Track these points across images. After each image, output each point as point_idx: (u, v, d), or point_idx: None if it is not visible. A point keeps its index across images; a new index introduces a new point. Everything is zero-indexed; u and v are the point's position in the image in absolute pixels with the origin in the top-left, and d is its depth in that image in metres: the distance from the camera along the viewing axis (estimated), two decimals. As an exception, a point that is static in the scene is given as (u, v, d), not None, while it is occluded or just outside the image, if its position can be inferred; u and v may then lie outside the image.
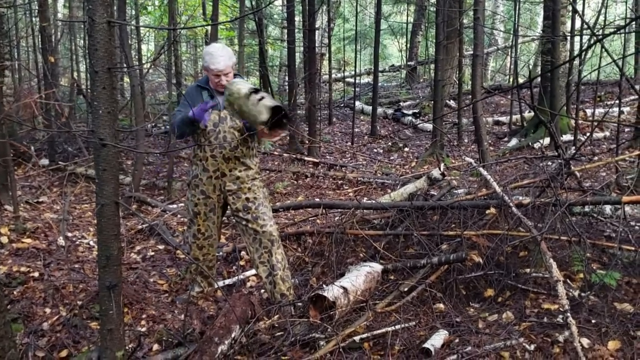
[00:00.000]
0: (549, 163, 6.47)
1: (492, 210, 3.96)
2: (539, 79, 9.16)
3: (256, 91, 2.99)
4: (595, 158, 7.07)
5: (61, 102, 8.38)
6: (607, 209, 4.21)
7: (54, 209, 5.77)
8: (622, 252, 3.55)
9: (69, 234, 4.82)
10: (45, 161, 7.74)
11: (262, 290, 3.75)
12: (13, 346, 2.15)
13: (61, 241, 4.52)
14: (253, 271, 4.08)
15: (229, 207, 3.43)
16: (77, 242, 4.68)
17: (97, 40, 2.23)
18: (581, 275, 3.41)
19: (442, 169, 4.95)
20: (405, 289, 3.54)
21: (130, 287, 3.67)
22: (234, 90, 3.02)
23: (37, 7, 8.39)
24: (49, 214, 5.45)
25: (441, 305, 3.34)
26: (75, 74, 12.26)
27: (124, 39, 6.43)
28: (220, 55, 3.17)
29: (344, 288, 3.24)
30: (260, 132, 3.01)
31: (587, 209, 4.11)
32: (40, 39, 8.34)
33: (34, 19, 10.46)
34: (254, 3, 11.59)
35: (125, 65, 6.66)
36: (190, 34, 12.28)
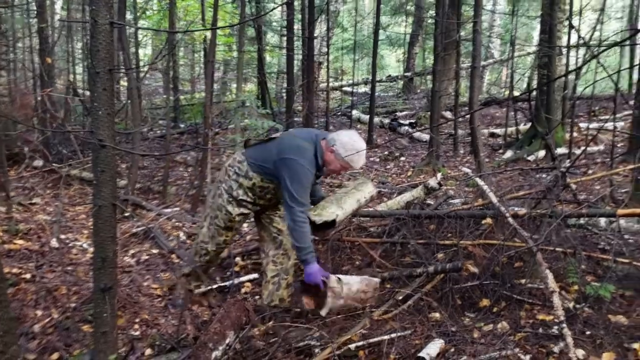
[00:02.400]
0: (544, 175, 6.51)
1: (489, 220, 3.96)
2: (534, 92, 9.23)
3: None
4: (590, 171, 7.10)
5: (57, 103, 8.35)
6: (602, 221, 4.21)
7: (47, 210, 5.72)
8: (616, 264, 3.56)
9: (62, 236, 4.78)
10: (39, 162, 7.68)
11: (257, 297, 3.73)
12: (15, 342, 2.13)
13: (54, 243, 4.48)
14: (247, 277, 4.06)
15: None
16: (70, 245, 4.64)
17: (99, 41, 2.23)
18: (576, 287, 3.41)
19: (438, 179, 4.95)
20: (401, 298, 3.53)
21: (124, 291, 3.64)
22: (361, 187, 3.55)
23: (35, 9, 8.39)
24: (42, 216, 5.40)
25: (437, 315, 3.33)
26: (71, 76, 12.21)
27: (123, 41, 6.43)
28: (364, 156, 3.17)
29: (338, 278, 3.16)
30: None
31: (582, 221, 4.12)
32: (38, 40, 8.33)
33: (31, 20, 10.43)
34: (253, 10, 11.62)
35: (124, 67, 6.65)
36: (188, 39, 12.29)
